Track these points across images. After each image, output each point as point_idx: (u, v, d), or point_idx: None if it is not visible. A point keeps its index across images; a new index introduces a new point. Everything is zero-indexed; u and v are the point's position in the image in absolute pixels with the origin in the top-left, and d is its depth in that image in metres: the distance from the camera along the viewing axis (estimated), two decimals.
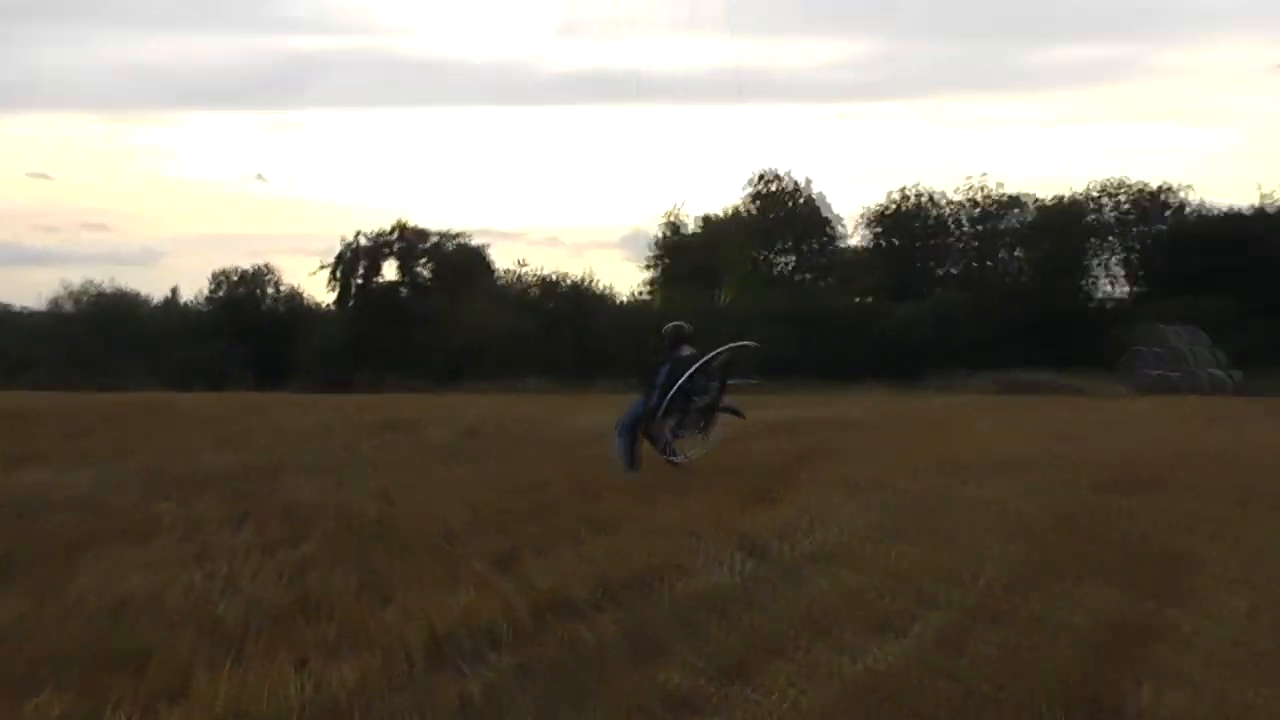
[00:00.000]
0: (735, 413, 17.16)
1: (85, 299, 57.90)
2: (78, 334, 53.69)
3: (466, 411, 31.27)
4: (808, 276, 65.51)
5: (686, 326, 16.59)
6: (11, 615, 8.07)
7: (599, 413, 28.11)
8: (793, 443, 21.25)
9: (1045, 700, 6.44)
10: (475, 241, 60.98)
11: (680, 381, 15.61)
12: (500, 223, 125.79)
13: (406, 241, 58.12)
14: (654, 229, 67.83)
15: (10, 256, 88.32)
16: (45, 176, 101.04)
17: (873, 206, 66.57)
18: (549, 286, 59.69)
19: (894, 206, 65.94)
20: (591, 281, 60.43)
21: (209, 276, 61.86)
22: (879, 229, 66.18)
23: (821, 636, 7.70)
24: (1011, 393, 44.43)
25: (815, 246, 66.49)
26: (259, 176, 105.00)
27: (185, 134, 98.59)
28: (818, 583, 9.19)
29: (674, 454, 16.13)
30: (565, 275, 59.82)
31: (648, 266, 66.42)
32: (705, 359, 15.94)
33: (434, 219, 64.23)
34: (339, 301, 58.70)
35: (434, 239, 58.58)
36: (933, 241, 65.48)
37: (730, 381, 16.71)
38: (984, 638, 7.64)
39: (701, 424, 16.49)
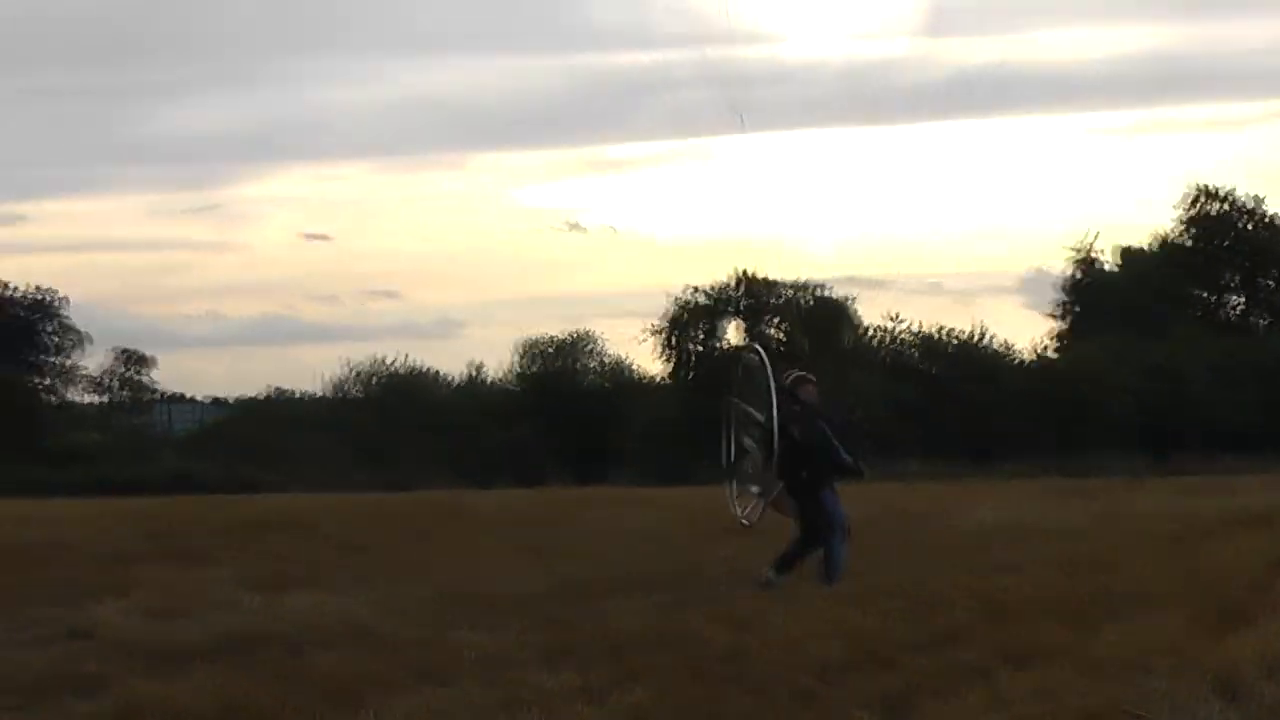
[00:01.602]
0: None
1: (373, 381, 60.67)
2: (364, 422, 56.20)
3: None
4: (1265, 321, 64.49)
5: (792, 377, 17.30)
6: None
7: (1003, 504, 28.28)
8: (1272, 541, 20.92)
9: None
10: (836, 293, 60.52)
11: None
12: (865, 268, 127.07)
13: (752, 296, 58.65)
14: (1061, 267, 66.62)
15: (285, 332, 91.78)
16: (323, 237, 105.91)
17: None
18: (931, 345, 59.59)
19: None
20: (985, 337, 59.72)
21: (516, 348, 63.55)
22: None
23: None
24: None
25: (1274, 283, 65.28)
26: (573, 225, 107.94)
27: (480, 179, 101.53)
28: None
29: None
30: (951, 330, 59.33)
31: (1056, 315, 65.43)
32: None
33: (784, 267, 64.61)
34: (673, 373, 60.11)
35: (785, 292, 58.99)
36: None
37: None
38: None
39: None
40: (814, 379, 17.35)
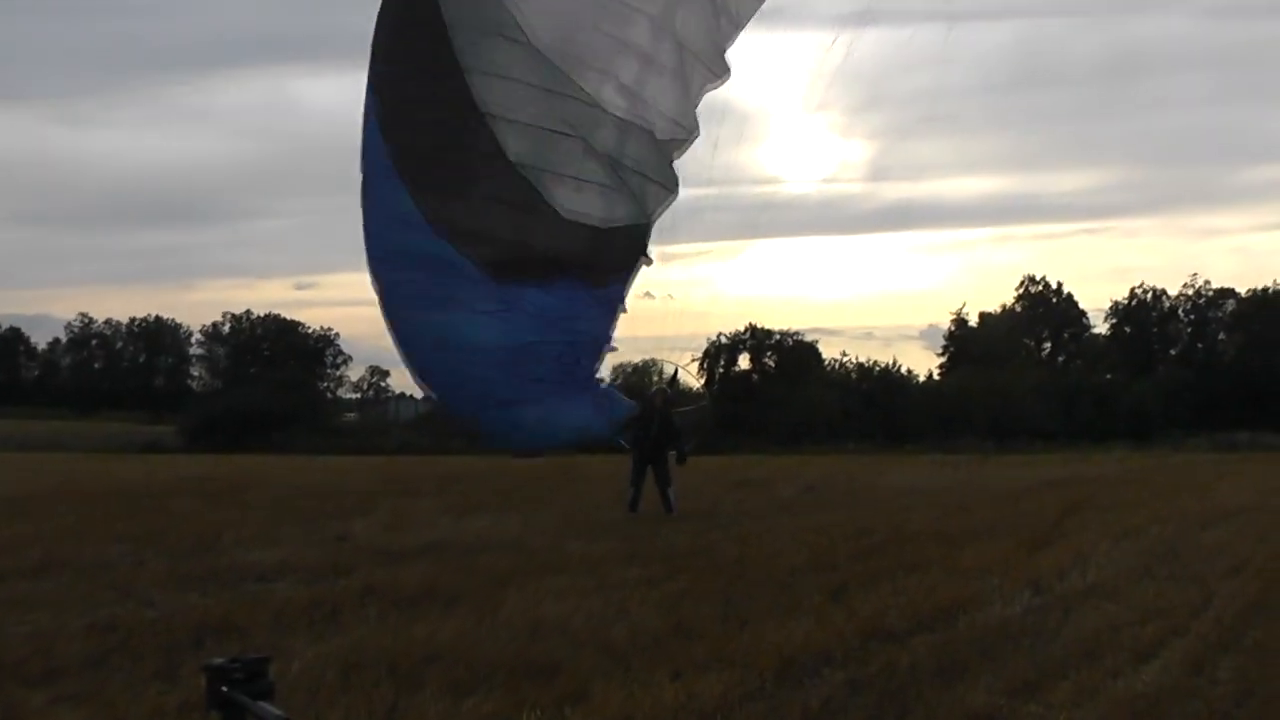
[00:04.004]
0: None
1: None
2: None
3: (805, 471, 35.33)
4: (1061, 359, 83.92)
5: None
6: (457, 630, 9.86)
7: (907, 472, 33.37)
8: (1062, 496, 24.66)
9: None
10: (808, 338, 79.30)
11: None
12: (827, 323, 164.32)
13: (756, 339, 76.90)
14: (945, 324, 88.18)
15: None
16: None
17: (1114, 302, 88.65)
18: (865, 371, 78.61)
19: (1130, 302, 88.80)
20: (897, 366, 77.90)
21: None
22: (1117, 320, 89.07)
23: (1093, 661, 9.09)
24: (1230, 451, 53.26)
25: (1069, 335, 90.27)
26: (648, 294, 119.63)
27: None
28: (1088, 615, 10.94)
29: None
30: (877, 362, 79.44)
31: (941, 353, 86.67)
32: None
33: (777, 322, 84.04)
34: (706, 384, 70.49)
35: (777, 337, 77.19)
36: (1156, 329, 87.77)
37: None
38: (1222, 663, 9.23)
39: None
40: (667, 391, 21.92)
